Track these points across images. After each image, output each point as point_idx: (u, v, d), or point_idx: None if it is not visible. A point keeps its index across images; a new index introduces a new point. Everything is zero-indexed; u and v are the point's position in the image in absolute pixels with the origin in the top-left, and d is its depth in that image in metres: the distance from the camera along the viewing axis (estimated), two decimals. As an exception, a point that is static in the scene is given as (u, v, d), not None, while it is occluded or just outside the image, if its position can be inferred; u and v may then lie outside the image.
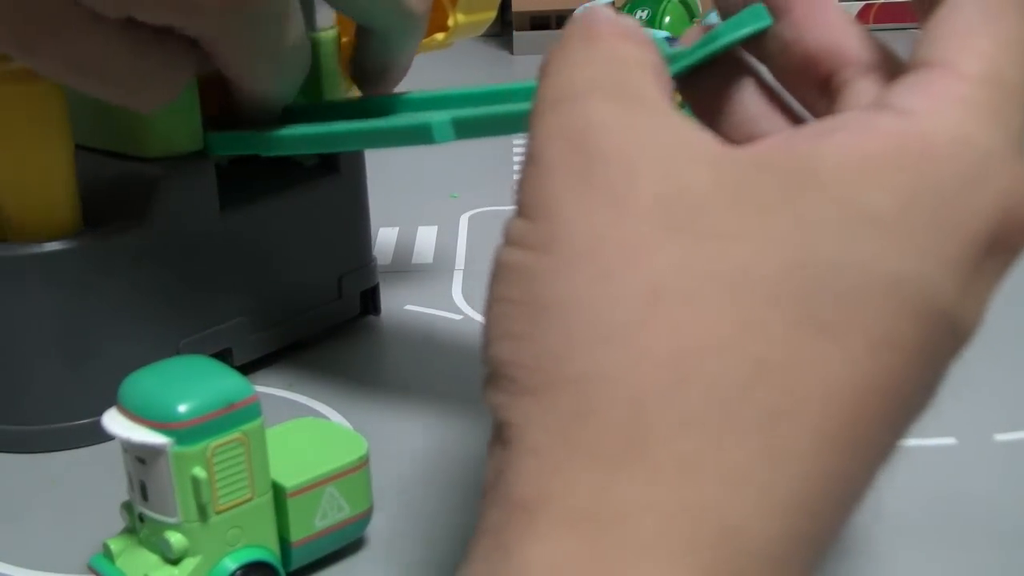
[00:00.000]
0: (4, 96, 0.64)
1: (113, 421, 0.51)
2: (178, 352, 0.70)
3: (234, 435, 0.50)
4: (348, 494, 0.54)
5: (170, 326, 0.70)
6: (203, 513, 0.50)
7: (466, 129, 0.60)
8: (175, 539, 0.50)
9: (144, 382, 0.51)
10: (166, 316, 0.70)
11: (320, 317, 0.79)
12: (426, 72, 1.46)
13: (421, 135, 0.60)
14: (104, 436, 0.52)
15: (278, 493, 0.52)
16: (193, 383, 0.50)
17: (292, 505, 0.52)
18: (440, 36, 0.81)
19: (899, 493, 0.60)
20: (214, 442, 0.50)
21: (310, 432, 0.57)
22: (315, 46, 0.73)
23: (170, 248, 0.69)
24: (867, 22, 1.71)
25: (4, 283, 0.66)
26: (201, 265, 0.71)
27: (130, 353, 0.66)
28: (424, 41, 0.79)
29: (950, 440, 0.64)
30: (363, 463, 0.55)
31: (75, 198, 0.68)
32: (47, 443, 0.68)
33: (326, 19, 0.74)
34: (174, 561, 0.50)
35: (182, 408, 0.49)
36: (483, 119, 0.60)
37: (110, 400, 0.54)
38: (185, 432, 0.49)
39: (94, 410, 0.61)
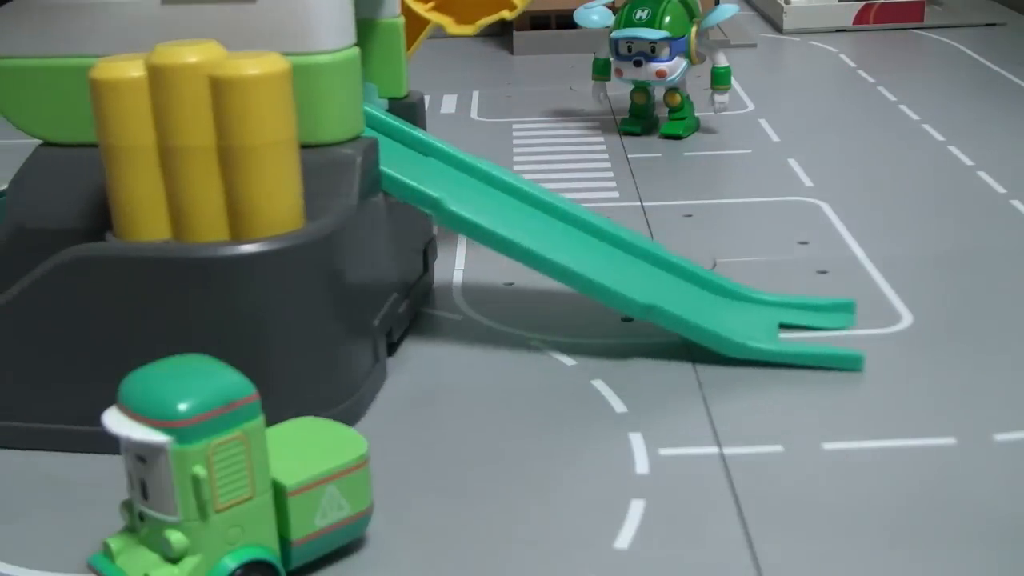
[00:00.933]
0: (249, 83, 0.61)
1: (113, 419, 0.50)
2: (372, 335, 0.70)
3: (234, 433, 0.50)
4: (348, 493, 0.54)
5: (365, 308, 0.70)
6: (203, 512, 0.50)
7: (658, 318, 0.72)
8: (175, 538, 0.50)
9: (145, 380, 0.51)
10: (362, 299, 0.70)
11: (419, 288, 0.81)
12: (428, 71, 1.46)
13: (629, 306, 0.72)
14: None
15: (278, 492, 0.52)
16: (193, 381, 0.50)
17: (292, 504, 0.52)
18: (507, 13, 0.85)
19: (899, 493, 0.60)
20: (214, 440, 0.50)
21: (310, 431, 0.57)
22: (390, 31, 0.77)
23: (363, 230, 0.69)
24: (867, 22, 1.71)
25: (259, 278, 0.63)
26: (377, 244, 0.71)
27: (347, 342, 0.67)
28: (490, 18, 0.85)
29: (950, 440, 0.64)
30: (363, 462, 0.55)
31: (301, 188, 0.65)
32: None
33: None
34: (174, 560, 0.50)
35: (182, 406, 0.49)
36: (678, 319, 0.72)
37: (343, 388, 0.62)
38: (185, 430, 0.49)
39: (340, 397, 0.66)
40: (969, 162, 1.11)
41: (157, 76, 0.61)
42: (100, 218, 0.68)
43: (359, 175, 0.68)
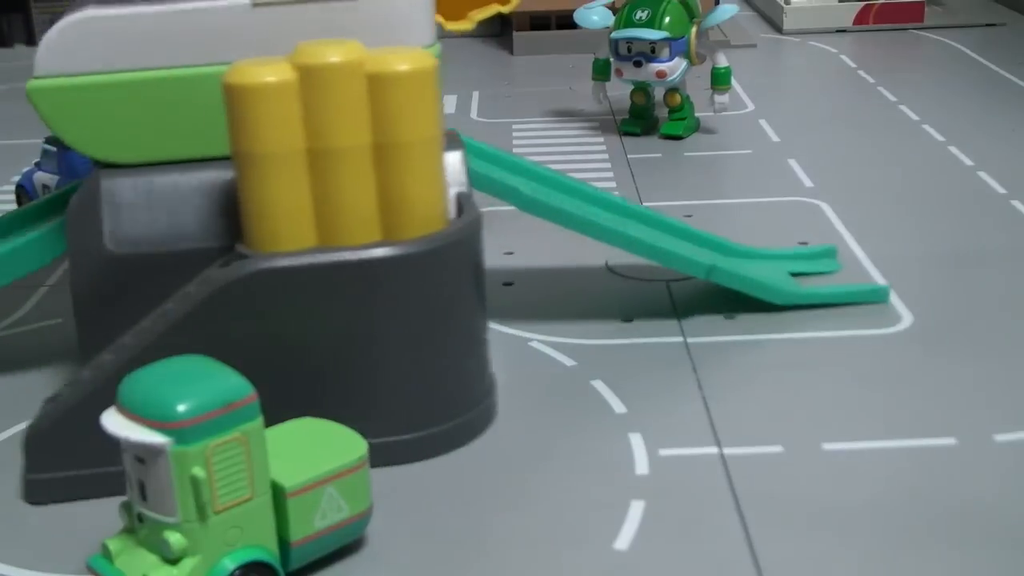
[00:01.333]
0: (408, 78, 0.60)
1: (112, 421, 0.50)
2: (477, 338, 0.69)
3: (233, 435, 0.50)
4: (347, 494, 0.54)
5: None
6: (202, 513, 0.50)
7: (718, 276, 0.78)
8: (174, 539, 0.50)
9: (143, 381, 0.51)
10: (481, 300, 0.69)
11: None
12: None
13: (695, 267, 0.79)
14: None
15: (277, 493, 0.52)
16: (192, 382, 0.50)
17: (292, 505, 0.52)
18: (500, 6, 0.86)
19: (899, 493, 0.60)
20: (213, 441, 0.49)
21: (310, 432, 0.57)
22: None
23: None
24: (867, 23, 1.71)
25: (440, 272, 0.63)
26: None
27: (486, 335, 0.68)
28: (484, 12, 0.87)
29: (950, 440, 0.64)
30: (362, 463, 0.55)
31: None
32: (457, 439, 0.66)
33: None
34: (173, 561, 0.50)
35: (181, 407, 0.49)
36: (735, 275, 0.79)
37: (489, 381, 0.65)
38: (184, 431, 0.49)
39: (488, 391, 0.68)
40: (969, 162, 1.11)
41: (314, 77, 0.59)
42: (203, 234, 0.65)
43: (467, 169, 0.68)
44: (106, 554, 0.52)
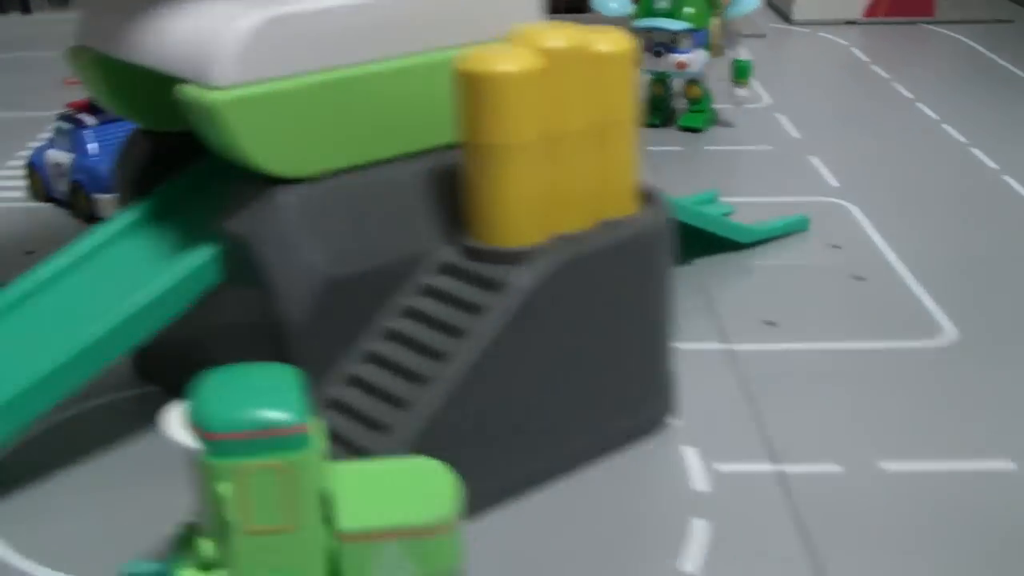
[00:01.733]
0: (623, 57, 0.60)
1: (174, 413, 0.47)
2: None
3: (272, 461, 0.46)
4: (418, 556, 0.48)
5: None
6: (225, 530, 0.46)
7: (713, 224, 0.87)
8: (204, 546, 0.47)
9: (212, 382, 0.47)
10: None
11: None
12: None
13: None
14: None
15: (335, 533, 0.47)
16: (246, 396, 0.46)
17: (347, 550, 0.48)
18: None
19: (966, 517, 0.57)
20: (246, 462, 0.45)
21: (413, 475, 0.50)
22: None
23: None
24: (878, 14, 1.68)
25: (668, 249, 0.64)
26: None
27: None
28: None
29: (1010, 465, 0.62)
30: (443, 527, 0.48)
31: None
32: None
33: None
34: (204, 567, 0.47)
35: (215, 420, 0.45)
36: (719, 221, 0.88)
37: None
38: (215, 444, 0.45)
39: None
40: (993, 165, 1.09)
41: (558, 61, 0.57)
42: (411, 240, 0.61)
43: None
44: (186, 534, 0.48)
